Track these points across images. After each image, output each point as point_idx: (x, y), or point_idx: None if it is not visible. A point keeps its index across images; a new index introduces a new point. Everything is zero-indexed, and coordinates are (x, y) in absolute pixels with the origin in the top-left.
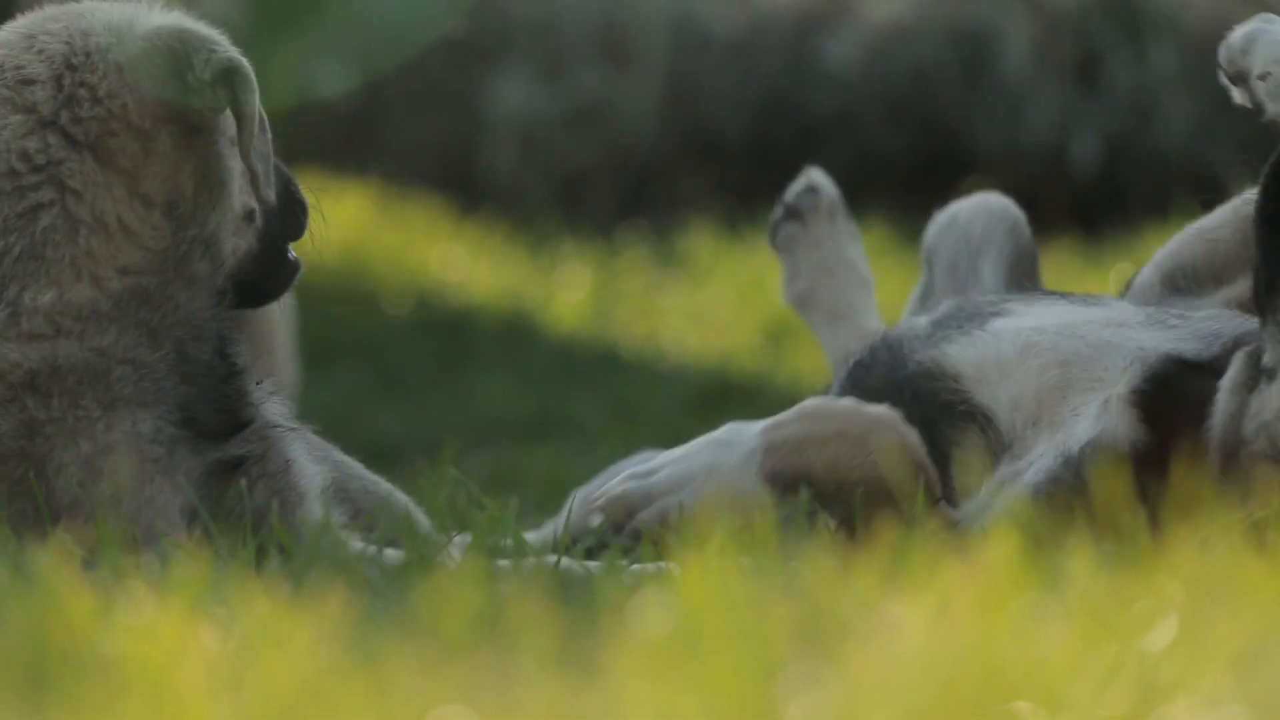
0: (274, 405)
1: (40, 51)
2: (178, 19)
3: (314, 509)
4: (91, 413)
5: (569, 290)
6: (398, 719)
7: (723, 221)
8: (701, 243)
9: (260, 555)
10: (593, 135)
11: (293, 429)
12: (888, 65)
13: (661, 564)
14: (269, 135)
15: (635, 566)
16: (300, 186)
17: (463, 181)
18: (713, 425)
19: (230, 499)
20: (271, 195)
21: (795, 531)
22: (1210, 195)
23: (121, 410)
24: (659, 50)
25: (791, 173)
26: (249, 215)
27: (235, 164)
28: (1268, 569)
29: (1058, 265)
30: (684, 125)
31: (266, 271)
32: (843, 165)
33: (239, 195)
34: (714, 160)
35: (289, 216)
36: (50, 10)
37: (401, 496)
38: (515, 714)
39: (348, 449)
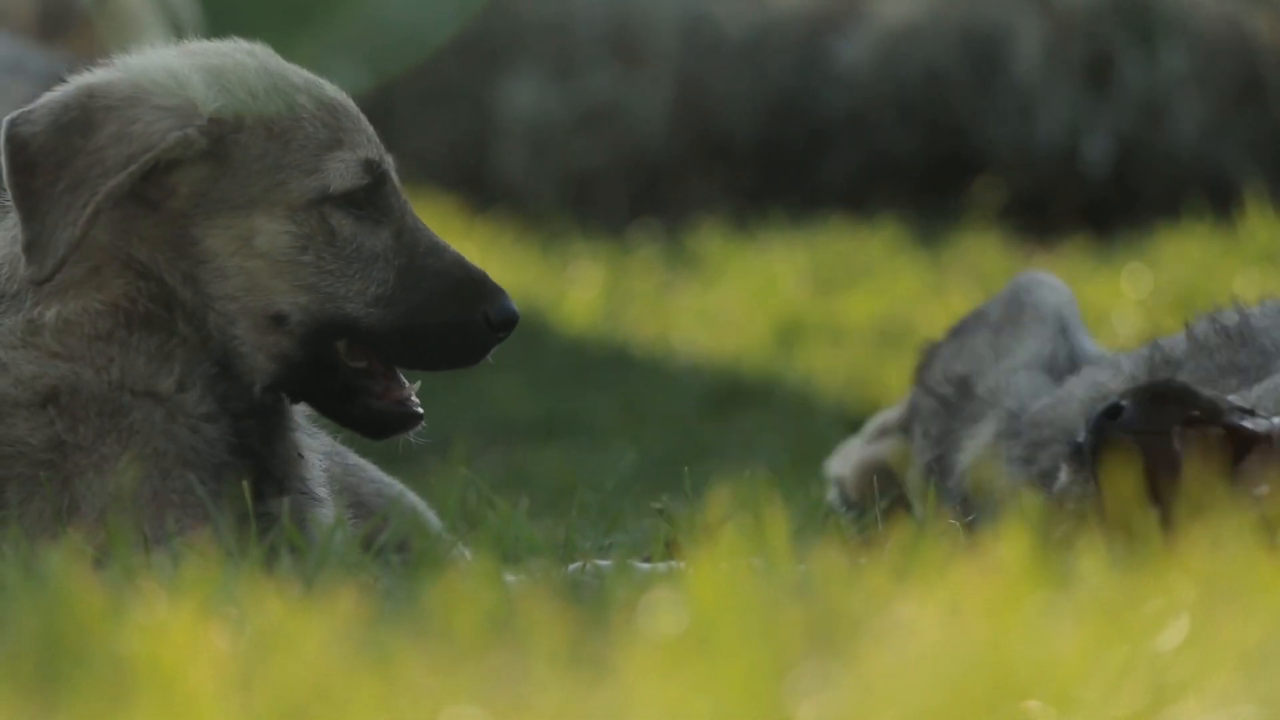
0: (313, 469)
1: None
2: (88, 82)
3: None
4: (114, 455)
5: (580, 290)
6: (409, 719)
7: (733, 221)
8: (712, 243)
9: (271, 555)
10: (603, 136)
11: (318, 499)
12: (898, 66)
13: (672, 563)
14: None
15: (646, 566)
16: (469, 323)
17: (474, 181)
18: (723, 424)
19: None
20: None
21: (806, 531)
22: (1221, 196)
23: (151, 464)
24: (670, 51)
25: (802, 173)
26: (277, 318)
27: (216, 246)
28: (1278, 569)
29: (1069, 266)
30: (695, 126)
31: (326, 392)
32: (853, 166)
33: (238, 287)
34: (725, 161)
35: (403, 342)
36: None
37: (413, 498)
38: (526, 714)
39: (360, 450)
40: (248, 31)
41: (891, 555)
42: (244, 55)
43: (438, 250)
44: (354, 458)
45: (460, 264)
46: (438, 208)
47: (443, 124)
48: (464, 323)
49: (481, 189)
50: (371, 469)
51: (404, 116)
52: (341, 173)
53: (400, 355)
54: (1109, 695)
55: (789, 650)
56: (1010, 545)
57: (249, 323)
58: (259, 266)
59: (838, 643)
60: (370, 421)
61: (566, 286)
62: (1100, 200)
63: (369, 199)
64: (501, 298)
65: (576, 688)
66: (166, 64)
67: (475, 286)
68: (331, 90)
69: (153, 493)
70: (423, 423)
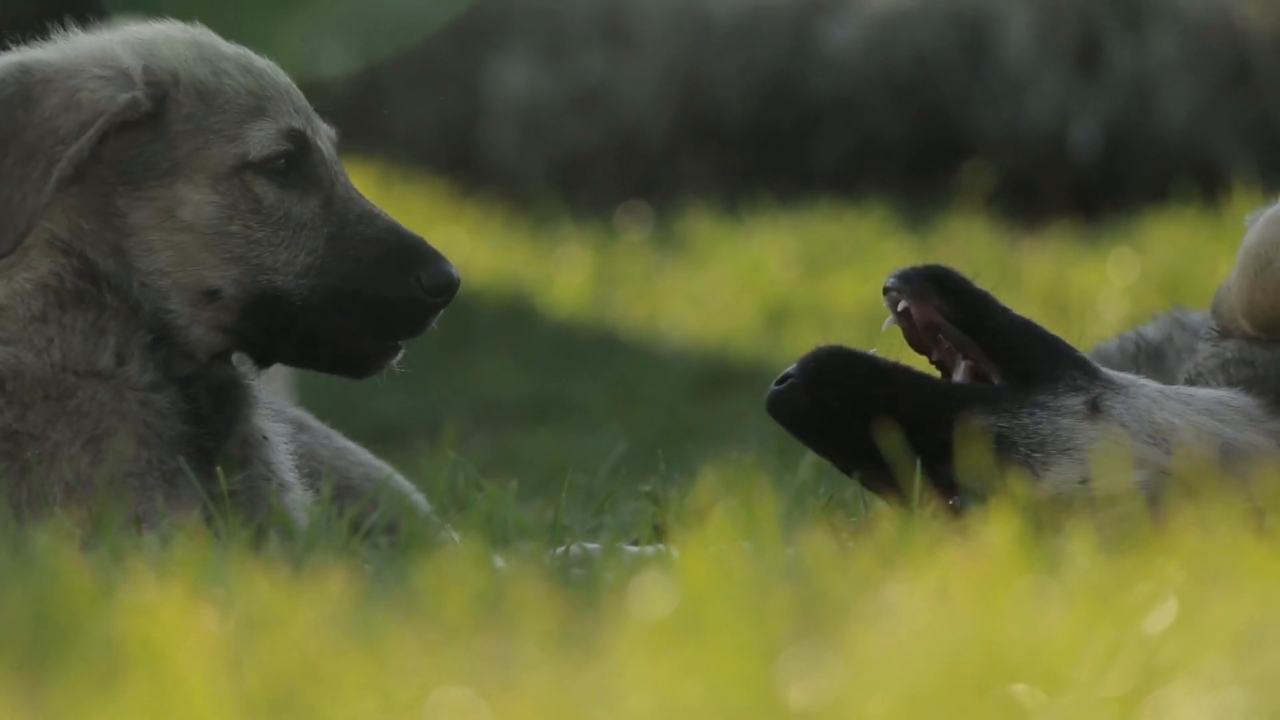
0: (279, 452)
1: None
2: (19, 60)
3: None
4: (67, 441)
5: (569, 273)
6: (398, 700)
7: (723, 205)
8: (701, 226)
9: (259, 537)
10: (594, 118)
11: (284, 483)
12: (889, 50)
13: (661, 546)
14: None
15: (635, 548)
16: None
17: (463, 164)
18: (712, 407)
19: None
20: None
21: (795, 514)
22: (1209, 181)
23: (107, 444)
24: (661, 34)
25: (791, 157)
26: (210, 293)
27: (142, 219)
28: (1267, 552)
29: (1057, 250)
30: (685, 109)
31: (285, 348)
32: (843, 150)
33: (168, 262)
34: (715, 144)
35: (337, 312)
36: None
37: (402, 481)
38: (516, 695)
39: (349, 432)
40: (239, 12)
41: (880, 538)
42: (173, 29)
43: (370, 218)
44: (342, 440)
45: (393, 230)
46: (427, 189)
47: (432, 106)
48: (397, 289)
49: (471, 171)
50: (361, 452)
51: (393, 98)
52: (261, 140)
53: (336, 327)
54: (1098, 677)
55: (778, 633)
56: (999, 528)
57: (183, 297)
58: (187, 240)
59: (827, 625)
60: (342, 362)
61: (555, 269)
62: (1088, 185)
63: (294, 167)
64: (437, 262)
65: (566, 669)
66: (94, 41)
67: (408, 251)
68: (261, 61)
69: (109, 476)
70: (402, 352)
